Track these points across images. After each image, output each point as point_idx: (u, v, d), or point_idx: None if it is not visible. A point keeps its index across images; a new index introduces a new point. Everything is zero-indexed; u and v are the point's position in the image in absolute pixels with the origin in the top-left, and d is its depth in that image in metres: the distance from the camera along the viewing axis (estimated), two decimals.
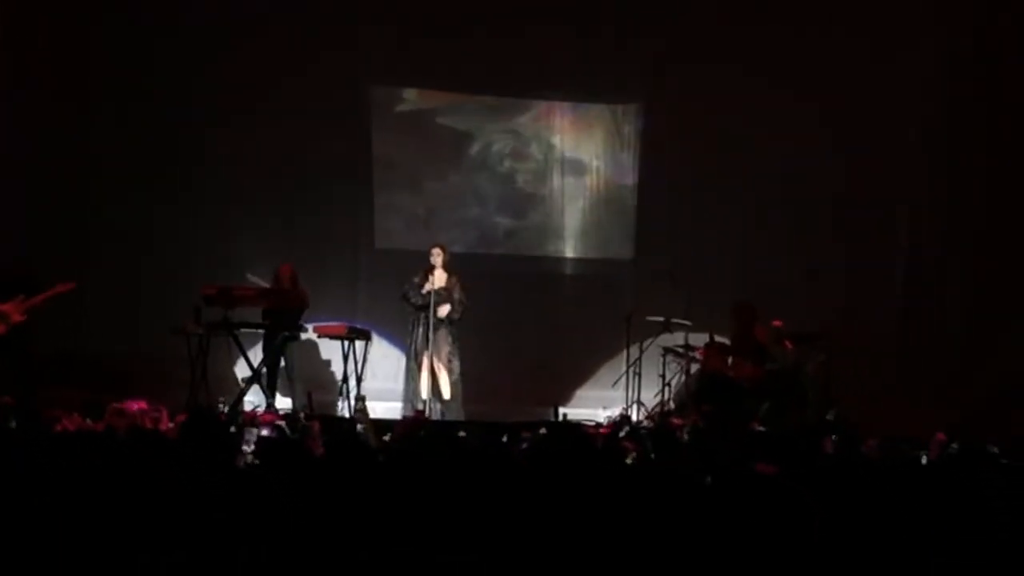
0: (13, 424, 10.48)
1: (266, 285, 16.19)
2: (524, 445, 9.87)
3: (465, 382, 15.82)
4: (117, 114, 17.69)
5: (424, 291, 15.63)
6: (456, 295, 15.70)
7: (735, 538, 6.58)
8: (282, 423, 11.49)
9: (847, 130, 17.95)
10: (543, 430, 11.01)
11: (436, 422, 14.58)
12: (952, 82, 17.96)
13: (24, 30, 17.32)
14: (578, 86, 18.47)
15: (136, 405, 12.20)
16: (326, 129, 17.96)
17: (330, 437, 9.75)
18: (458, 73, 18.28)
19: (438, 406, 15.51)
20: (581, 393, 17.76)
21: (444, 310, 15.63)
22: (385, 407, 15.55)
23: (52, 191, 17.29)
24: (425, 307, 15.60)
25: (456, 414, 15.50)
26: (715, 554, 6.47)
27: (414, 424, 12.16)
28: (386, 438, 11.14)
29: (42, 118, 17.25)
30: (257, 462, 8.29)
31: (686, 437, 11.74)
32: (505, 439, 10.55)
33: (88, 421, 10.92)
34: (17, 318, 15.24)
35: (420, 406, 15.25)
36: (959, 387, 16.65)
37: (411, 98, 18.61)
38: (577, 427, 11.92)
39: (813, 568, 6.45)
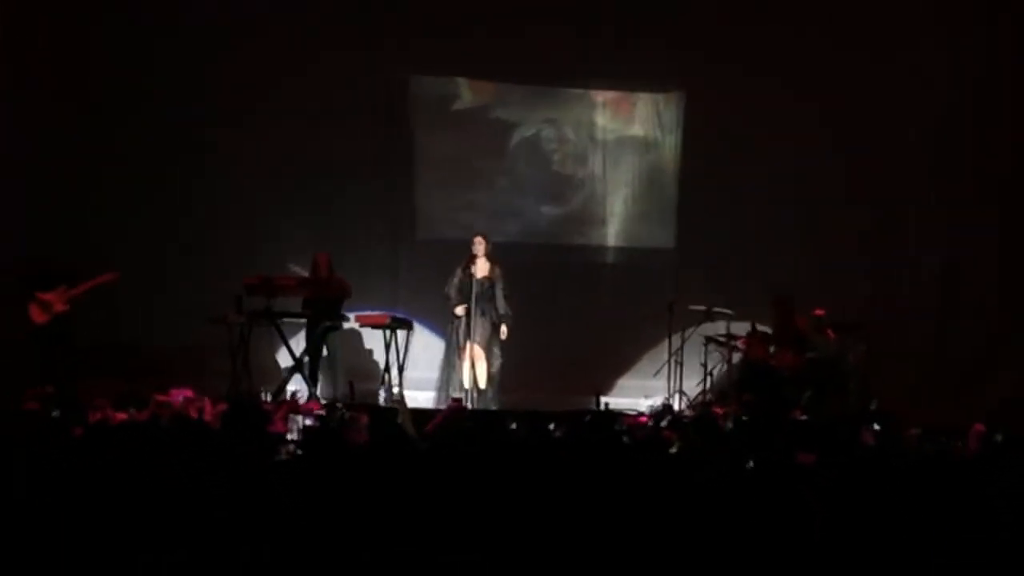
0: (56, 413, 10.53)
1: (306, 275, 16.19)
2: (559, 433, 9.89)
3: (507, 371, 15.80)
4: (151, 107, 17.67)
5: (457, 287, 15.62)
6: (499, 286, 15.66)
7: (775, 526, 6.58)
8: (323, 412, 11.51)
9: (871, 128, 17.91)
10: (587, 418, 11.00)
11: (478, 411, 14.56)
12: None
13: (32, 33, 17.38)
14: (619, 74, 18.38)
15: (181, 394, 12.29)
16: (367, 120, 18.00)
17: (374, 427, 9.78)
18: (499, 63, 18.21)
19: (475, 395, 15.48)
20: (623, 382, 17.71)
21: (504, 332, 15.65)
22: (427, 396, 15.59)
23: (90, 181, 17.33)
24: (466, 293, 15.56)
25: (490, 403, 15.45)
26: (755, 542, 6.47)
27: (456, 413, 12.15)
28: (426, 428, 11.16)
29: (71, 112, 17.30)
30: (299, 451, 8.31)
31: (728, 426, 11.72)
32: (552, 427, 10.52)
33: (133, 411, 10.97)
34: (60, 307, 15.36)
35: (460, 395, 15.22)
36: (992, 380, 16.58)
37: (452, 88, 18.57)
38: (619, 417, 11.95)
39: (851, 556, 6.44)
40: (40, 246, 16.60)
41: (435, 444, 8.68)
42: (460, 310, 15.59)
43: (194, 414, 10.86)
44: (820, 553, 6.58)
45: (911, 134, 18.14)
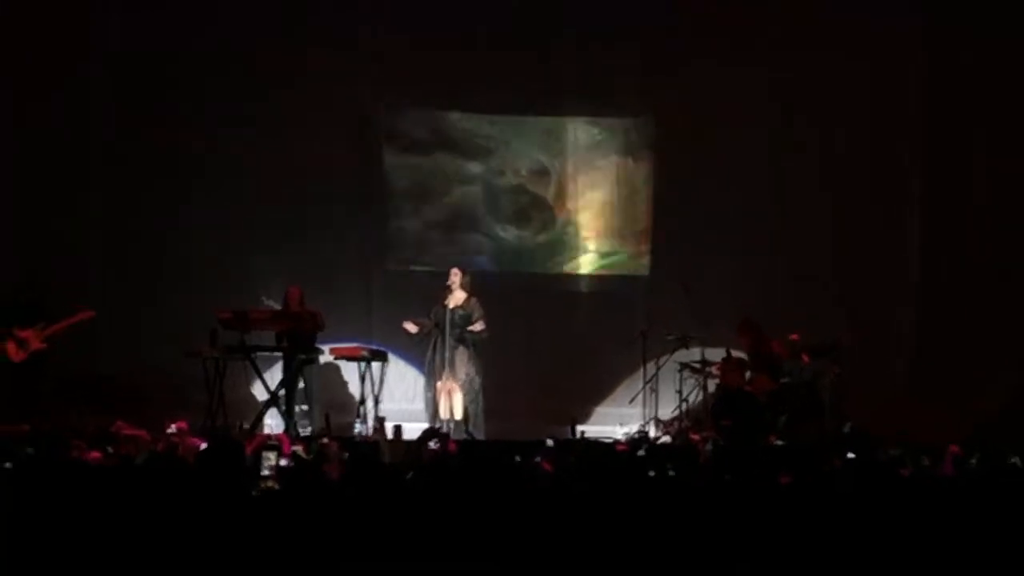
0: (30, 451, 10.48)
1: (278, 307, 16.18)
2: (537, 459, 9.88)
3: (484, 400, 15.79)
4: (125, 139, 17.75)
5: (436, 312, 15.63)
6: (476, 315, 15.66)
7: (759, 548, 6.58)
8: (299, 447, 11.46)
9: (844, 151, 17.98)
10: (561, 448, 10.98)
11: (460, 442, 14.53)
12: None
13: (22, 54, 17.32)
14: (589, 100, 18.42)
15: (177, 426, 12.31)
16: (335, 151, 18.04)
17: (351, 458, 9.75)
18: (468, 91, 18.27)
19: (451, 426, 15.46)
20: (598, 410, 17.73)
21: (479, 327, 15.61)
22: (404, 428, 15.54)
23: (63, 214, 17.35)
24: (440, 326, 15.58)
25: (473, 434, 15.42)
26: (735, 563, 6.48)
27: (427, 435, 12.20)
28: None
29: (47, 142, 17.31)
30: (275, 487, 8.27)
31: (708, 451, 11.73)
32: (518, 458, 10.50)
33: (109, 449, 10.91)
34: (37, 345, 15.34)
35: (439, 426, 15.19)
36: (973, 394, 16.57)
37: (420, 118, 18.59)
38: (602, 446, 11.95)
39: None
40: (51, 269, 16.61)
41: (417, 475, 8.63)
42: (409, 325, 15.60)
43: (183, 450, 10.80)
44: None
45: (884, 158, 18.15)
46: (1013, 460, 10.17)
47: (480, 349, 15.72)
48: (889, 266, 18.19)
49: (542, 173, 18.64)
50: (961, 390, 16.69)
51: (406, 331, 15.71)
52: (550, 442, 11.97)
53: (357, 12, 18.23)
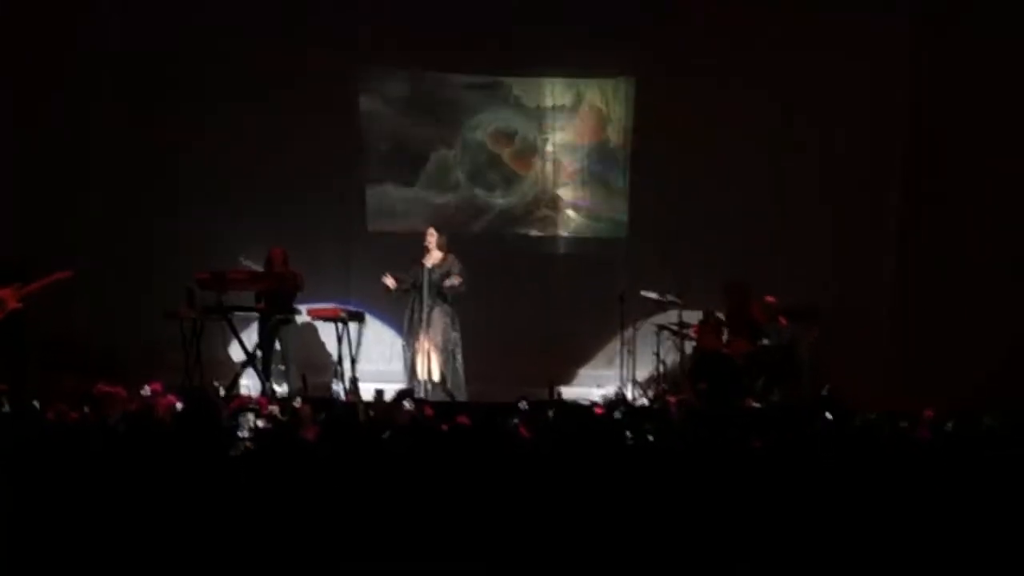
0: (6, 409, 10.49)
1: (259, 269, 16.15)
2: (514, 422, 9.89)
3: (463, 362, 15.81)
4: (104, 102, 17.72)
5: (407, 278, 15.62)
6: (454, 271, 15.65)
7: (734, 513, 6.59)
8: (275, 408, 11.46)
9: (835, 102, 17.88)
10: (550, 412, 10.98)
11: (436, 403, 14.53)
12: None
13: (12, 23, 17.25)
14: (568, 61, 18.35)
15: (152, 388, 12.30)
16: (315, 111, 17.94)
17: (326, 420, 9.75)
18: (446, 51, 18.20)
19: (429, 388, 15.47)
20: (576, 372, 17.75)
21: (456, 280, 15.58)
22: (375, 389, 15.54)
23: (41, 177, 17.29)
24: (417, 285, 15.57)
25: (454, 396, 15.44)
26: (712, 529, 6.49)
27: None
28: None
29: (29, 107, 17.26)
30: (251, 448, 8.27)
31: (680, 414, 11.76)
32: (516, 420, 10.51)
33: (85, 410, 10.90)
34: (13, 305, 15.31)
35: (415, 387, 15.21)
36: (954, 363, 16.56)
37: (399, 78, 18.55)
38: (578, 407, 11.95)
39: (810, 543, 6.46)
40: (29, 233, 16.67)
41: (393, 435, 8.63)
42: (388, 280, 15.61)
43: (161, 411, 10.79)
44: (775, 539, 6.60)
45: (867, 118, 18.09)
46: (988, 423, 10.21)
47: (457, 308, 15.72)
48: (870, 232, 18.14)
49: (520, 134, 18.60)
50: (940, 360, 16.68)
51: (385, 286, 15.69)
52: (524, 404, 11.99)
53: None
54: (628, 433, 8.79)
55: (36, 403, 10.96)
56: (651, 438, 8.73)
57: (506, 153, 18.61)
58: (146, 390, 12.50)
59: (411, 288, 15.68)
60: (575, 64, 18.35)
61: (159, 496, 6.58)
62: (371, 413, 11.65)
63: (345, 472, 6.89)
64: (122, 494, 6.59)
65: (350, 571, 6.24)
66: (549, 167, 18.61)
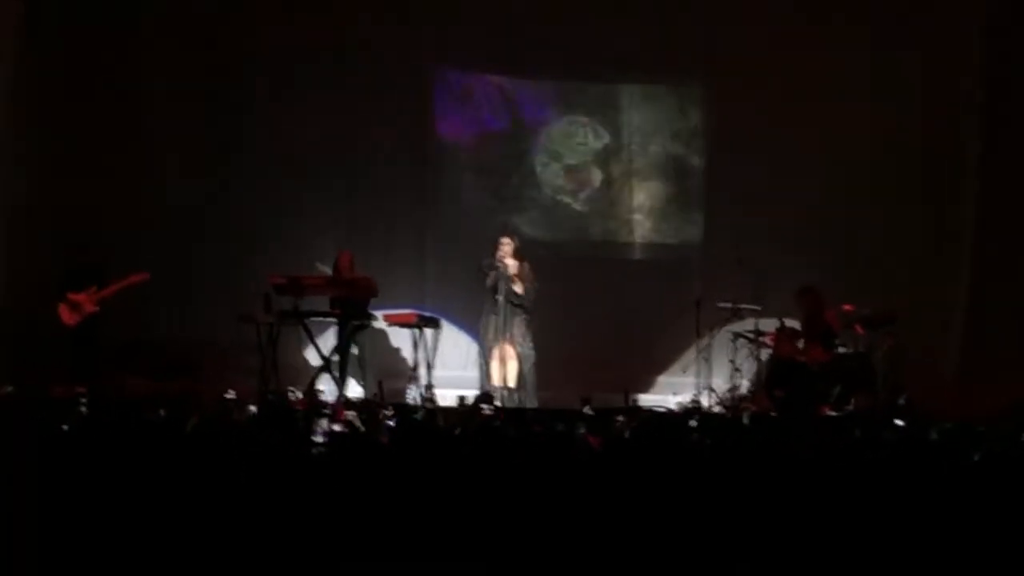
0: (84, 411, 10.59)
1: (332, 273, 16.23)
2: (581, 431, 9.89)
3: (537, 369, 15.82)
4: (177, 105, 17.84)
5: (492, 273, 15.60)
6: (527, 283, 15.66)
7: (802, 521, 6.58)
8: (353, 414, 11.52)
9: (909, 106, 17.81)
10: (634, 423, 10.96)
11: (510, 410, 14.57)
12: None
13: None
14: (644, 68, 18.37)
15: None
16: (390, 115, 18.07)
17: (401, 424, 9.79)
18: (523, 57, 18.25)
19: (505, 394, 15.49)
20: (651, 379, 17.72)
21: (519, 287, 15.59)
22: (455, 394, 15.58)
23: (115, 180, 17.41)
24: (494, 289, 15.56)
25: (524, 402, 15.47)
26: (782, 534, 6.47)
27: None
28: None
29: (96, 106, 17.38)
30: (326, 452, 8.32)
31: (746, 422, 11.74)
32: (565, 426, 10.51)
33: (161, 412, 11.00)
34: (90, 308, 15.49)
35: (493, 393, 15.23)
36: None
37: (477, 83, 18.60)
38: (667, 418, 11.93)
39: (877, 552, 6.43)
40: (104, 236, 16.67)
41: (465, 436, 8.67)
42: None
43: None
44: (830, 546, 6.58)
45: (937, 125, 17.99)
46: None
47: (534, 315, 15.74)
48: (944, 240, 18.04)
49: (597, 139, 18.62)
50: (1013, 370, 16.53)
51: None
52: (588, 409, 11.99)
53: None
54: (700, 438, 8.78)
55: (114, 405, 11.08)
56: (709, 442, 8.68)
57: (582, 157, 18.62)
58: (230, 393, 12.63)
59: (489, 296, 15.68)
60: (651, 70, 18.33)
61: (234, 497, 6.64)
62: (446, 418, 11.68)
63: (417, 476, 6.92)
64: (197, 493, 6.65)
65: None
66: (625, 171, 18.60)
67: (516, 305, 15.62)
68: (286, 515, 6.57)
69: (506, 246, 15.74)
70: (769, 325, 16.15)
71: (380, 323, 16.28)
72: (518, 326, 15.67)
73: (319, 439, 9.14)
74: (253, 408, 11.37)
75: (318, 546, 6.36)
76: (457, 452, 7.89)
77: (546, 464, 7.10)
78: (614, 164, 18.64)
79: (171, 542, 6.36)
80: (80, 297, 15.49)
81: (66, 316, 15.50)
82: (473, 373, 16.10)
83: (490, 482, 6.83)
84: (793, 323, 16.01)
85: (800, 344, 15.80)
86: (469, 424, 10.73)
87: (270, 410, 11.20)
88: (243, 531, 6.47)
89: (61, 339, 15.53)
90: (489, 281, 15.59)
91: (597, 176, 18.66)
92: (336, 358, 15.70)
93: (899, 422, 10.78)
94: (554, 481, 6.83)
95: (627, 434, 9.46)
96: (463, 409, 13.24)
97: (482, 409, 12.84)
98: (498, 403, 14.62)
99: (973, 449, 8.85)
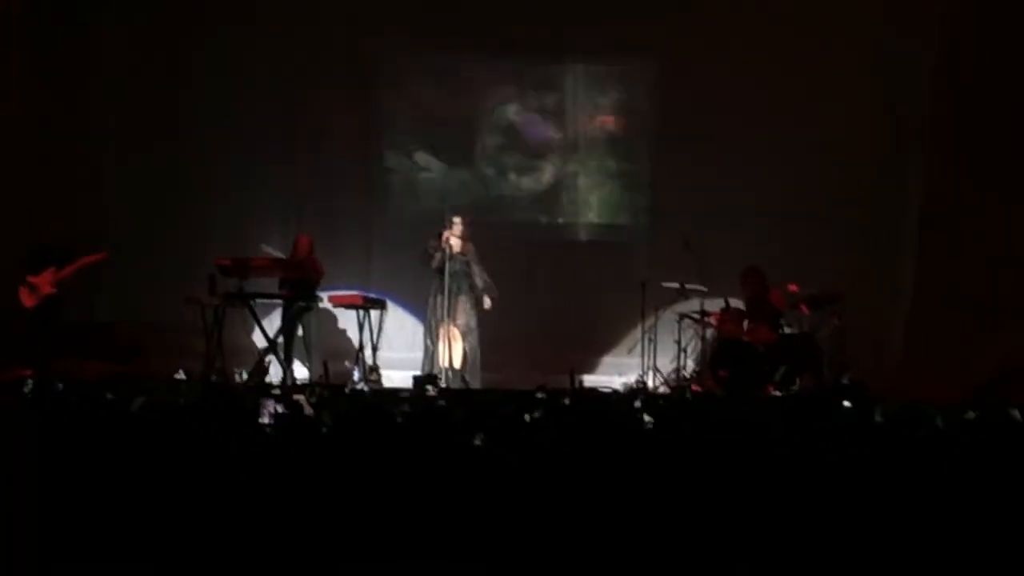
0: (30, 393, 10.55)
1: (280, 255, 16.18)
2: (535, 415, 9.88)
3: (482, 350, 15.81)
4: (127, 89, 17.80)
5: (437, 255, 15.54)
6: (475, 266, 15.65)
7: (746, 501, 6.59)
8: (300, 396, 11.48)
9: (858, 90, 17.85)
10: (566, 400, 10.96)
11: (455, 391, 14.55)
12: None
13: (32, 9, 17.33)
14: (593, 46, 18.35)
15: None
16: (336, 97, 18.04)
17: (344, 407, 9.77)
18: (469, 36, 18.21)
19: (450, 375, 15.48)
20: (597, 360, 17.75)
21: (487, 303, 15.64)
22: (401, 376, 15.56)
23: (65, 164, 17.32)
24: (441, 269, 15.52)
25: (469, 383, 15.45)
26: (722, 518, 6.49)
27: None
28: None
29: (51, 92, 17.28)
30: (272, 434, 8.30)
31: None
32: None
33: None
34: (48, 290, 15.41)
35: (438, 374, 15.22)
36: (974, 351, 16.50)
37: (422, 64, 18.56)
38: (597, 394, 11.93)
39: (826, 531, 6.46)
40: (55, 220, 16.59)
41: (408, 419, 8.65)
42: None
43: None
44: (792, 527, 6.59)
45: (885, 108, 18.05)
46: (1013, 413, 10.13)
47: (479, 295, 15.74)
48: (890, 221, 18.11)
49: (543, 119, 18.61)
50: (958, 349, 16.62)
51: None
52: (542, 393, 11.98)
53: None
54: (647, 418, 8.79)
55: (60, 386, 11.03)
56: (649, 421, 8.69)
57: (529, 138, 18.61)
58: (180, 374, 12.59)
59: (435, 276, 15.64)
60: (598, 50, 18.33)
61: (166, 482, 6.61)
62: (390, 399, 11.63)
63: (360, 458, 6.92)
64: (136, 478, 6.62)
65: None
66: (572, 152, 18.61)
67: (461, 283, 15.59)
68: (233, 494, 6.54)
69: (456, 226, 15.69)
70: (714, 306, 16.17)
71: (326, 304, 16.25)
72: (462, 306, 15.64)
73: (265, 420, 9.11)
74: (201, 389, 11.32)
75: (264, 523, 6.34)
76: (402, 433, 7.89)
77: (495, 446, 7.11)
78: (560, 146, 18.63)
79: (114, 518, 6.33)
80: (39, 279, 15.43)
81: (25, 299, 15.44)
82: (418, 354, 16.06)
83: (436, 464, 6.83)
84: (739, 303, 16.05)
85: (745, 324, 15.84)
86: (415, 405, 10.69)
87: (216, 392, 11.15)
88: (186, 508, 6.44)
89: (19, 321, 15.45)
90: (435, 263, 15.54)
91: (543, 158, 18.64)
92: (281, 340, 15.67)
93: (845, 403, 10.80)
94: (502, 463, 6.84)
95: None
96: (408, 390, 13.19)
97: (426, 390, 12.80)
98: (443, 384, 14.62)
99: (918, 428, 8.92)
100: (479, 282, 15.63)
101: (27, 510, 6.40)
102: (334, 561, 6.09)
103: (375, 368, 15.43)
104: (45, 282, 15.43)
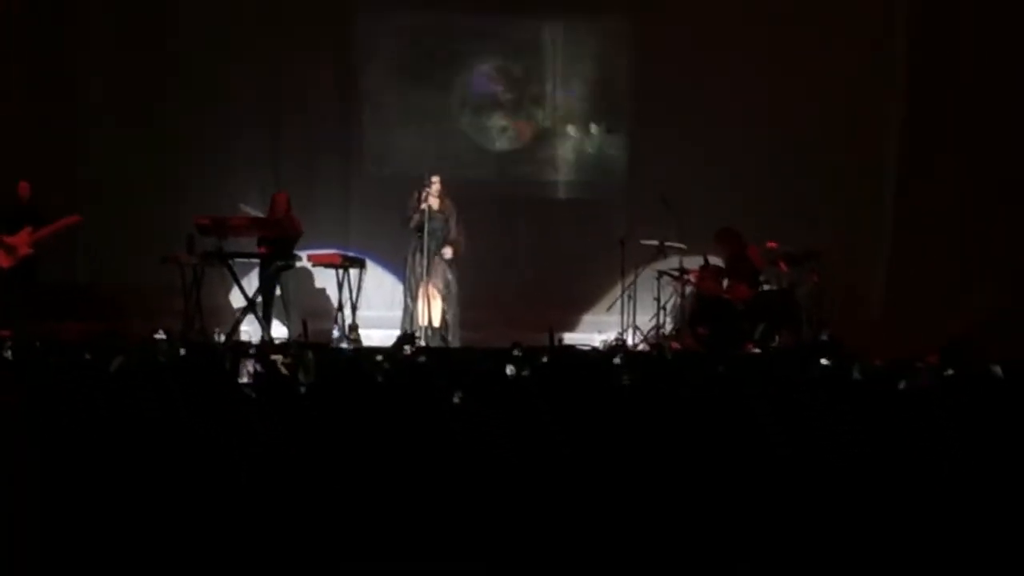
0: (8, 355, 10.51)
1: (259, 214, 16.13)
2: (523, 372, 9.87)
3: (462, 309, 15.81)
4: (106, 47, 17.76)
5: (415, 215, 15.50)
6: (452, 222, 15.61)
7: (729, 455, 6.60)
8: (277, 356, 11.47)
9: (835, 45, 17.86)
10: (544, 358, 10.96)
11: (435, 349, 14.55)
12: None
13: None
14: (570, 5, 18.35)
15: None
16: (315, 56, 18.01)
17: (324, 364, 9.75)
18: None
19: (429, 333, 15.48)
20: (577, 318, 17.77)
21: (448, 252, 15.57)
22: (381, 335, 15.55)
23: (44, 125, 17.30)
24: (420, 228, 15.47)
25: (449, 342, 15.45)
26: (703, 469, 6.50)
27: None
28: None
29: (31, 49, 17.22)
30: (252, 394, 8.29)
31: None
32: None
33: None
34: (25, 251, 15.40)
35: (418, 333, 15.21)
36: (950, 310, 16.55)
37: (400, 20, 18.50)
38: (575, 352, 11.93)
39: (805, 489, 6.47)
40: (33, 180, 16.34)
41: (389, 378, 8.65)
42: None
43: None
44: (770, 482, 6.61)
45: (863, 67, 18.05)
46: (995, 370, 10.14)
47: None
48: (868, 181, 18.14)
49: (521, 77, 18.60)
50: (936, 307, 16.67)
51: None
52: (518, 351, 11.96)
53: None
54: (625, 377, 8.79)
55: (38, 345, 11.02)
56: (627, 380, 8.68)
57: (506, 96, 18.58)
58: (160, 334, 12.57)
59: (414, 235, 15.60)
60: (576, 8, 18.31)
61: (146, 443, 6.61)
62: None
63: (341, 417, 6.92)
64: (116, 438, 6.62)
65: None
66: (548, 110, 18.59)
67: (440, 242, 15.55)
68: (210, 453, 6.55)
69: (435, 185, 15.62)
70: (694, 263, 16.20)
71: (304, 263, 16.22)
72: (441, 265, 15.61)
73: (245, 380, 9.10)
74: (181, 349, 11.29)
75: (244, 486, 6.35)
76: (383, 392, 7.89)
77: (476, 404, 7.11)
78: (538, 103, 18.63)
79: (96, 481, 6.33)
80: (15, 239, 15.41)
81: (2, 259, 15.40)
82: (398, 313, 16.04)
83: (417, 424, 6.83)
84: (718, 261, 16.08)
85: (724, 282, 15.87)
86: (395, 364, 10.68)
87: (195, 351, 11.12)
88: (165, 469, 6.44)
89: None
90: (413, 223, 15.51)
91: (522, 116, 18.62)
92: (260, 299, 15.66)
93: (824, 360, 10.79)
94: (485, 422, 6.84)
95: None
96: (387, 349, 13.19)
97: (405, 349, 12.79)
98: (422, 342, 14.61)
99: (896, 385, 8.92)
100: (452, 233, 15.58)
101: (14, 473, 6.41)
102: (319, 527, 6.10)
103: (355, 327, 15.43)
104: (22, 242, 15.41)
